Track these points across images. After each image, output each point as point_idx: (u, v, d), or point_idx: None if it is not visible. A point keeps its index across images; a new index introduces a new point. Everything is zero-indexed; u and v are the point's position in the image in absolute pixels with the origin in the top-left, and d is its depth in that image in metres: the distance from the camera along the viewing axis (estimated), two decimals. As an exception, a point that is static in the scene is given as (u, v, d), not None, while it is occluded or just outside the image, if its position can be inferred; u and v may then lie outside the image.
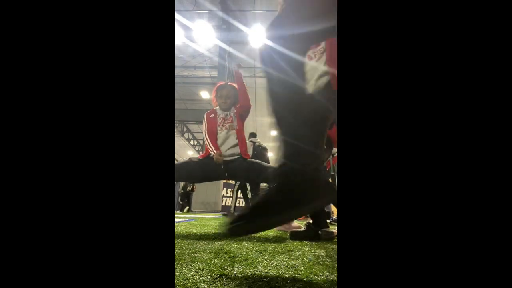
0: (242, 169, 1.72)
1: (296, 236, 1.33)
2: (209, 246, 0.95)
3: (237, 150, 1.77)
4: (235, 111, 1.93)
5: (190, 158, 1.83)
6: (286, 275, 0.57)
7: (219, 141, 1.81)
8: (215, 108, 1.99)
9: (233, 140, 1.80)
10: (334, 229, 1.48)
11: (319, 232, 1.36)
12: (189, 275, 0.55)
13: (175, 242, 1.02)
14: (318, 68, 1.19)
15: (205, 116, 1.97)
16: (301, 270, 0.62)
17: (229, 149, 1.77)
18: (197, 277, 0.54)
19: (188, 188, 7.41)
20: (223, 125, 1.88)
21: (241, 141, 1.81)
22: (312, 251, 0.93)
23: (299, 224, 1.76)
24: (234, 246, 0.96)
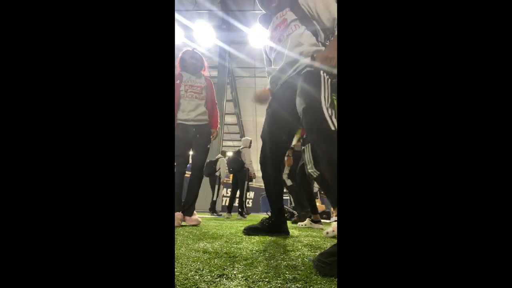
0: (206, 133, 2.03)
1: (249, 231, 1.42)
2: (209, 246, 0.95)
3: (205, 116, 2.05)
4: (206, 83, 2.09)
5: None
6: (286, 275, 0.57)
7: (184, 110, 2.00)
8: (180, 72, 2.07)
9: (202, 108, 2.05)
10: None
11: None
12: (189, 275, 0.55)
13: (175, 242, 1.02)
14: (289, 55, 1.19)
15: None
16: (301, 270, 0.62)
17: (198, 115, 2.02)
18: (197, 277, 0.54)
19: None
20: (187, 92, 2.01)
21: (211, 111, 2.08)
22: (312, 251, 0.93)
23: (196, 218, 1.95)
24: (234, 246, 0.96)
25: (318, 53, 1.04)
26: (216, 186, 4.52)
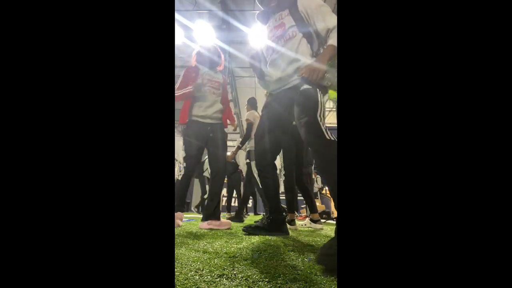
0: (222, 131, 1.91)
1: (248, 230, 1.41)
2: (209, 246, 0.95)
3: (220, 114, 1.93)
4: (222, 80, 1.98)
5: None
6: (286, 275, 0.57)
7: (201, 105, 1.84)
8: (198, 65, 1.96)
9: (219, 105, 1.92)
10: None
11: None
12: (189, 275, 0.55)
13: (175, 242, 1.02)
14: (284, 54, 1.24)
15: (182, 73, 1.88)
16: (301, 270, 0.62)
17: (215, 112, 1.89)
18: (197, 277, 0.54)
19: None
20: (205, 86, 1.86)
21: (225, 109, 1.97)
22: (312, 251, 0.93)
23: (227, 221, 1.79)
24: (234, 246, 0.96)
25: (305, 67, 1.10)
26: (207, 186, 4.51)
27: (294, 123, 1.45)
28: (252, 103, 2.85)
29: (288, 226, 2.07)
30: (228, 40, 7.19)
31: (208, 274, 0.56)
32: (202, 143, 1.84)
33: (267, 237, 1.30)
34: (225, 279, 0.53)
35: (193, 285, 0.49)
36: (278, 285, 0.50)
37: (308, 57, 1.19)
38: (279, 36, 1.28)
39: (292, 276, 0.56)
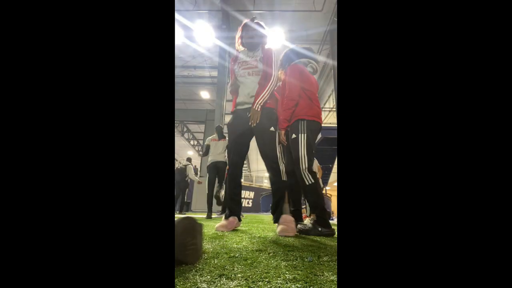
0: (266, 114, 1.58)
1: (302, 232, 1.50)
2: (209, 246, 0.95)
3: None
4: (262, 55, 1.63)
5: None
6: (286, 275, 0.57)
7: (242, 89, 1.59)
8: (239, 51, 1.74)
9: (255, 88, 1.57)
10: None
11: (320, 229, 1.49)
12: (189, 275, 0.55)
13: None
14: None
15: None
16: (301, 270, 0.62)
17: (252, 96, 1.58)
18: (197, 277, 0.54)
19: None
20: (241, 68, 1.61)
21: (260, 88, 1.56)
22: (312, 251, 0.93)
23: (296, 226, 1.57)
24: (234, 246, 0.96)
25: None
26: (187, 190, 5.24)
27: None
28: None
29: None
30: (228, 40, 7.19)
31: (208, 274, 0.56)
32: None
33: (266, 237, 1.30)
34: (225, 279, 0.53)
35: (193, 285, 0.49)
36: (278, 285, 0.50)
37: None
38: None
39: (292, 276, 0.56)
